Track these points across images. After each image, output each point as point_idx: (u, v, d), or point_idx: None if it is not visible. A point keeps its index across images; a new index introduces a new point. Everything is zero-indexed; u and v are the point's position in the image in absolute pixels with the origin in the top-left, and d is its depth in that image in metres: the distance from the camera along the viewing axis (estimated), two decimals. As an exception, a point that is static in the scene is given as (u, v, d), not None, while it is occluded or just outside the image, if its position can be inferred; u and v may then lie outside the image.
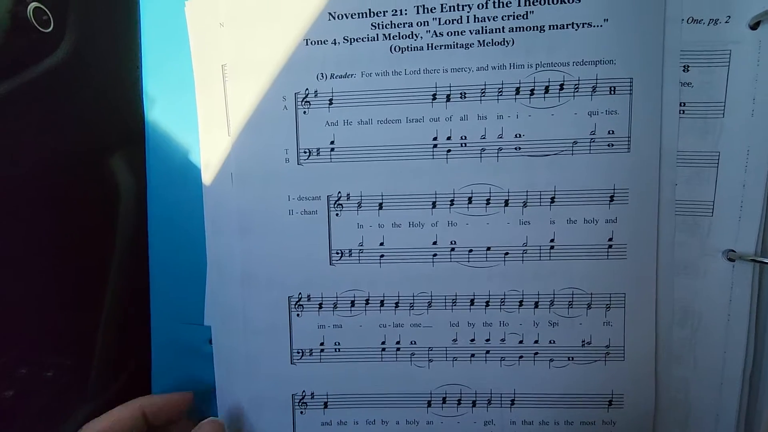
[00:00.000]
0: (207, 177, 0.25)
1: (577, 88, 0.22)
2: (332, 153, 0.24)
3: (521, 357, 0.24)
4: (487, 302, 0.24)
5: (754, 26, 0.22)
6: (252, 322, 0.25)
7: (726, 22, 0.22)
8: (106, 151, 0.26)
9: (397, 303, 0.24)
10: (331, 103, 0.24)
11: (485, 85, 0.23)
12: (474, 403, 0.25)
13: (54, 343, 0.27)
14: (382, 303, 0.24)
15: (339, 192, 0.24)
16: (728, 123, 0.22)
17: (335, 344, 0.25)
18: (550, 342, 0.24)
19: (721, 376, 0.23)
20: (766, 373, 0.23)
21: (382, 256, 0.24)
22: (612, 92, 0.22)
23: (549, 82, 0.22)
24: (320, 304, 0.25)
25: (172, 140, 0.25)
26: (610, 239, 0.23)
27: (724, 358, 0.23)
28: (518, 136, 0.23)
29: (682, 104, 0.22)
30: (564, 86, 0.22)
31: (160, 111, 0.25)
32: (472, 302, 0.24)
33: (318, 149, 0.24)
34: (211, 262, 0.25)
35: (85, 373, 0.27)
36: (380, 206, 0.24)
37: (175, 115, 0.25)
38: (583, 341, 0.24)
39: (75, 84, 0.25)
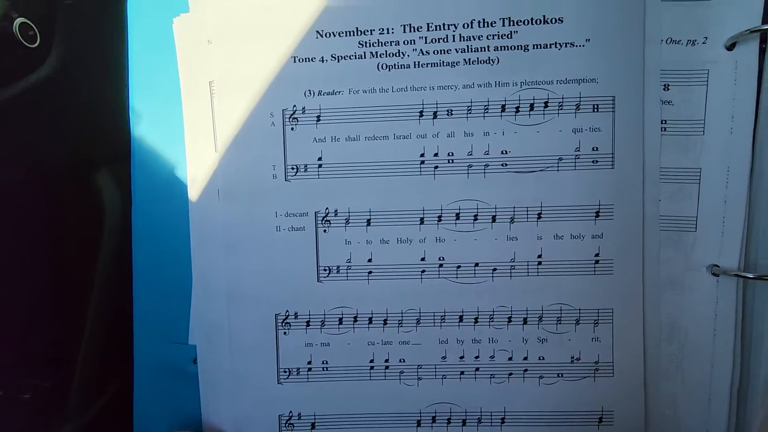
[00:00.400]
0: (193, 192, 0.25)
1: (561, 105, 0.23)
2: (320, 169, 0.24)
3: (511, 374, 0.24)
4: (476, 319, 0.24)
5: (730, 47, 0.22)
6: (238, 341, 0.24)
7: (703, 42, 0.23)
8: (92, 166, 0.26)
9: (385, 320, 0.24)
10: (318, 120, 0.24)
11: (471, 102, 0.23)
12: (464, 422, 0.24)
13: (32, 364, 0.26)
14: (370, 320, 0.24)
15: (327, 208, 0.24)
16: (708, 140, 0.23)
17: (323, 363, 0.24)
18: (539, 358, 0.24)
19: (709, 391, 0.23)
20: (753, 387, 0.23)
21: (370, 272, 0.24)
22: (595, 110, 0.23)
23: (534, 99, 0.23)
24: (308, 322, 0.24)
25: (158, 155, 0.25)
26: (597, 255, 0.23)
27: (712, 373, 0.23)
28: (504, 152, 0.23)
29: (664, 122, 0.23)
30: (548, 104, 0.23)
31: (146, 126, 0.25)
32: (461, 319, 0.24)
33: (305, 165, 0.24)
34: (196, 279, 0.25)
35: (64, 395, 0.26)
36: (368, 222, 0.24)
37: (162, 131, 0.25)
38: (572, 357, 0.24)
39: (61, 99, 0.24)
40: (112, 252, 0.26)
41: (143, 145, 0.25)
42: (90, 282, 0.26)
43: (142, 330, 0.26)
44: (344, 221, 0.24)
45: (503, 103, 0.23)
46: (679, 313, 0.23)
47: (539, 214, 0.23)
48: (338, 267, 0.24)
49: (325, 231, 0.24)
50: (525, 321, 0.24)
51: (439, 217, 0.24)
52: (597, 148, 0.23)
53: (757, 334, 0.22)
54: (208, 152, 0.24)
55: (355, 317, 0.24)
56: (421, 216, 0.24)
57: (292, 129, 0.24)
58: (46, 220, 0.24)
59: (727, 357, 0.23)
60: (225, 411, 0.25)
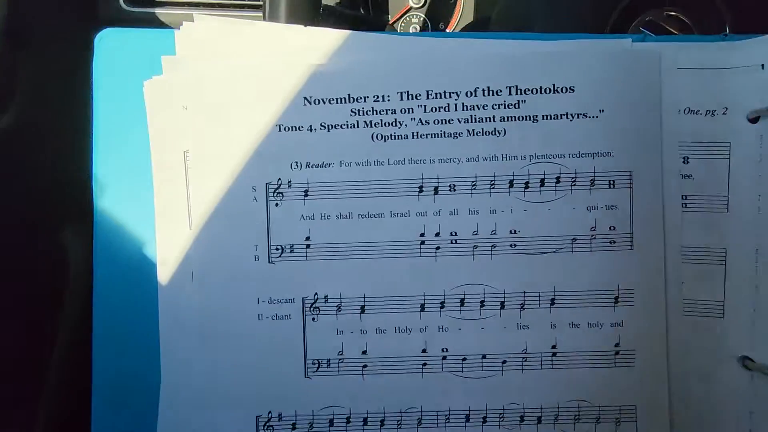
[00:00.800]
0: (163, 275, 0.22)
1: (575, 181, 0.21)
2: (308, 250, 0.21)
3: (524, 480, 0.21)
4: (485, 418, 0.21)
5: (754, 120, 0.21)
6: (213, 447, 0.21)
7: (723, 113, 0.21)
8: (55, 225, 0.23)
9: (382, 421, 0.21)
10: (306, 195, 0.21)
11: (476, 177, 0.21)
12: None
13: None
14: (365, 421, 0.21)
15: (315, 294, 0.21)
16: (733, 219, 0.21)
17: (311, 471, 0.21)
18: (556, 462, 0.21)
19: (744, 495, 0.21)
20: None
21: (364, 366, 0.21)
22: (611, 186, 0.21)
23: (544, 174, 0.21)
24: (293, 424, 0.21)
25: (124, 232, 0.22)
26: (617, 345, 0.21)
27: (747, 476, 0.21)
28: (513, 232, 0.21)
29: (684, 197, 0.21)
30: (560, 179, 0.21)
31: (111, 199, 0.22)
32: (467, 418, 0.21)
33: (292, 246, 0.21)
34: (165, 376, 0.22)
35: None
36: (362, 309, 0.21)
37: (129, 205, 0.22)
38: (593, 461, 0.21)
39: (18, 154, 0.22)
40: (72, 343, 0.23)
41: (107, 220, 0.22)
42: (44, 377, 0.23)
43: (103, 433, 0.22)
44: (335, 308, 0.21)
45: (511, 178, 0.21)
46: (711, 409, 0.21)
47: (552, 299, 0.21)
48: (329, 360, 0.21)
49: (313, 319, 0.21)
50: (539, 420, 0.21)
51: (442, 303, 0.21)
52: (614, 227, 0.21)
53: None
54: (181, 230, 0.22)
55: (348, 418, 0.21)
56: (422, 302, 0.21)
57: (277, 205, 0.21)
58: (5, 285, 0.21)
59: (763, 458, 0.21)
60: None
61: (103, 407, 0.22)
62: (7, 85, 0.22)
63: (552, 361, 0.21)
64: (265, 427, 0.21)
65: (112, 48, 0.22)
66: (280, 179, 0.21)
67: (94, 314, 0.22)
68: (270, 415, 0.21)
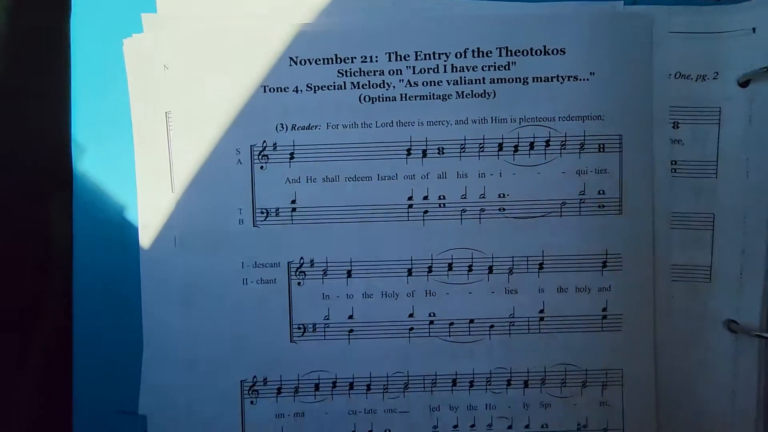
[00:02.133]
0: (145, 240, 0.21)
1: (564, 144, 0.21)
2: (293, 213, 0.21)
3: (510, 444, 0.21)
4: (471, 382, 0.21)
5: (744, 84, 0.20)
6: (197, 412, 0.21)
7: (714, 78, 0.21)
8: (34, 205, 0.22)
9: (368, 385, 0.21)
10: (292, 158, 0.21)
11: (465, 139, 0.21)
12: (458, 500, 0.21)
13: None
14: (351, 385, 0.21)
15: (301, 258, 0.21)
16: (722, 184, 0.21)
17: (296, 436, 0.21)
18: (542, 426, 0.21)
19: (727, 457, 0.21)
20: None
21: (351, 331, 0.21)
22: (601, 149, 0.21)
23: (534, 137, 0.21)
24: (279, 389, 0.21)
25: (105, 196, 0.22)
26: (605, 309, 0.21)
27: (730, 437, 0.21)
28: (502, 196, 0.21)
29: (674, 162, 0.21)
30: (550, 142, 0.21)
31: (90, 162, 0.21)
32: (454, 382, 0.21)
33: (277, 209, 0.21)
34: (148, 339, 0.21)
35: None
36: (349, 274, 0.21)
37: (109, 167, 0.21)
38: (579, 425, 0.21)
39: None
40: (54, 306, 0.22)
41: (87, 184, 0.22)
42: (27, 341, 0.22)
43: (83, 397, 0.22)
44: (321, 273, 0.21)
45: (500, 141, 0.21)
46: (695, 373, 0.21)
47: (541, 264, 0.21)
48: (314, 325, 0.21)
49: (299, 284, 0.21)
50: (526, 384, 0.21)
51: (430, 267, 0.21)
52: (603, 191, 0.21)
53: (777, 394, 0.20)
54: (163, 193, 0.21)
55: (334, 382, 0.21)
56: (409, 267, 0.21)
57: (262, 168, 0.21)
58: None
59: (749, 418, 0.21)
60: (181, 495, 0.21)
61: (85, 373, 0.22)
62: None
63: (539, 325, 0.21)
64: (250, 392, 0.21)
65: (90, 5, 0.22)
66: (265, 141, 0.21)
67: (74, 279, 0.22)
68: (255, 379, 0.21)
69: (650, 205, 0.21)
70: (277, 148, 0.21)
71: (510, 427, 0.21)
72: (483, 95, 0.21)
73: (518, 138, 0.21)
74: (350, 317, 0.21)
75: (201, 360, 0.21)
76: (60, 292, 0.22)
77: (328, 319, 0.21)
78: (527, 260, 0.21)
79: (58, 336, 0.22)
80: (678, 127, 0.21)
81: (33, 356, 0.22)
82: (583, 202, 0.21)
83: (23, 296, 0.22)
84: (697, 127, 0.21)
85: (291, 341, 0.21)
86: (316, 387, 0.21)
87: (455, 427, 0.21)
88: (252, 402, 0.21)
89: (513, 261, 0.21)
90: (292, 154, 0.21)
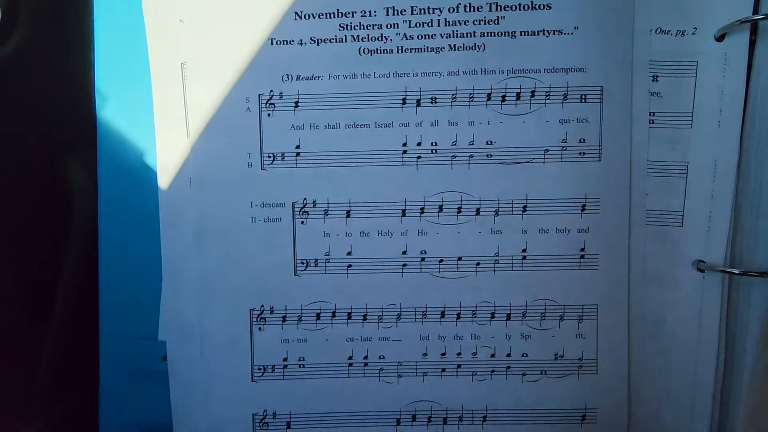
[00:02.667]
0: (163, 181, 0.23)
1: (549, 95, 0.22)
2: (298, 158, 0.23)
3: (493, 371, 0.23)
4: (458, 314, 0.23)
5: (720, 38, 0.22)
6: (210, 337, 0.23)
7: (693, 33, 0.22)
8: (59, 152, 0.24)
9: (365, 315, 0.23)
10: (296, 106, 0.23)
11: (456, 90, 0.22)
12: (445, 421, 0.24)
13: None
14: (349, 315, 0.23)
15: (304, 199, 0.23)
16: (696, 133, 0.22)
17: (299, 360, 0.23)
18: (522, 355, 0.23)
19: (694, 387, 0.23)
20: (737, 384, 0.22)
21: (349, 266, 0.23)
22: (583, 100, 0.22)
23: (520, 88, 0.22)
24: (284, 317, 0.23)
25: (126, 141, 0.24)
26: (582, 249, 0.23)
27: (696, 369, 0.23)
28: (490, 143, 0.22)
29: (652, 114, 0.22)
30: (535, 93, 0.22)
31: (113, 110, 0.24)
32: (442, 314, 0.23)
33: (283, 154, 0.23)
34: (166, 272, 0.23)
35: (28, 394, 0.24)
36: (348, 214, 0.23)
37: (130, 115, 0.23)
38: (556, 354, 0.23)
39: (25, 80, 0.23)
40: (80, 244, 0.25)
41: (110, 130, 0.24)
42: (56, 276, 0.24)
43: (109, 326, 0.24)
44: (323, 213, 0.23)
45: (489, 91, 0.22)
46: (664, 309, 0.23)
47: (524, 207, 0.23)
48: (316, 260, 0.23)
49: (302, 223, 0.23)
50: (508, 317, 0.23)
51: (422, 209, 0.23)
52: (584, 139, 0.22)
53: (741, 330, 0.22)
54: (179, 138, 0.23)
55: (334, 312, 0.23)
56: (403, 208, 0.23)
57: (269, 115, 0.23)
58: (8, 211, 0.23)
59: (711, 353, 0.23)
60: (196, 410, 0.24)
61: (110, 304, 0.24)
62: (10, 13, 0.22)
63: (522, 263, 0.23)
64: (258, 319, 0.23)
65: (111, -36, 0.23)
66: (272, 91, 0.23)
67: (99, 218, 0.24)
68: (262, 308, 0.23)
69: (628, 153, 0.22)
70: (283, 97, 0.23)
71: (493, 356, 0.23)
72: (473, 48, 0.22)
73: (506, 89, 0.22)
74: (349, 254, 0.23)
75: (214, 291, 0.23)
76: (86, 230, 0.24)
77: (328, 255, 0.23)
78: (512, 203, 0.23)
79: (85, 271, 0.24)
80: (657, 81, 0.22)
81: (63, 290, 0.25)
82: (565, 150, 0.22)
83: (53, 235, 0.24)
84: (675, 80, 0.22)
85: (295, 275, 0.23)
86: (317, 316, 0.23)
87: (443, 354, 0.23)
88: (260, 328, 0.23)
89: (499, 204, 0.23)
90: (296, 102, 0.23)
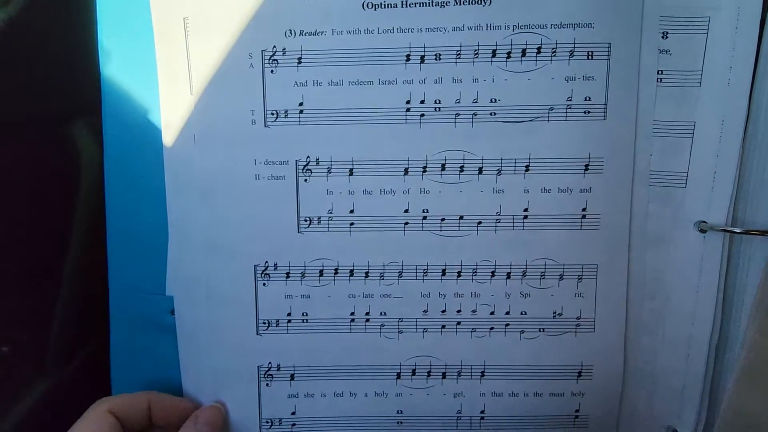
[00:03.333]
0: (168, 138, 0.23)
1: (555, 52, 0.22)
2: (301, 115, 0.23)
3: (492, 328, 0.24)
4: (459, 273, 0.23)
5: (733, -8, 0.21)
6: (216, 292, 0.24)
7: (706, -13, 0.21)
8: (66, 116, 0.24)
9: (367, 273, 0.24)
10: (299, 62, 0.22)
11: (461, 46, 0.22)
12: (444, 375, 0.24)
13: (9, 317, 0.25)
14: (351, 272, 0.24)
15: (308, 157, 0.23)
16: (704, 92, 0.22)
17: (303, 315, 0.24)
18: (521, 313, 0.24)
19: (688, 347, 0.23)
20: (732, 344, 0.23)
21: (352, 224, 0.23)
22: (590, 57, 0.22)
23: (526, 44, 0.22)
24: (287, 273, 0.24)
25: (130, 97, 0.24)
26: (584, 209, 0.23)
27: (692, 329, 0.23)
28: (494, 101, 0.22)
29: (660, 72, 0.22)
30: (541, 50, 0.22)
31: (116, 66, 0.23)
32: (443, 272, 0.23)
33: (286, 111, 0.23)
34: (172, 228, 0.24)
35: (42, 348, 0.25)
36: (351, 172, 0.23)
37: (133, 71, 0.23)
38: (555, 313, 0.24)
39: (29, 41, 0.23)
40: (91, 205, 0.25)
41: (114, 87, 0.24)
42: (68, 236, 0.25)
43: (118, 281, 0.25)
44: (326, 170, 0.23)
45: (494, 48, 0.22)
46: (664, 269, 0.23)
47: (527, 166, 0.23)
48: (319, 218, 0.23)
49: (306, 180, 0.23)
50: (508, 276, 0.23)
51: (424, 167, 0.23)
52: (590, 98, 0.22)
53: (739, 291, 0.22)
54: (183, 95, 0.23)
55: (336, 269, 0.24)
56: (406, 166, 0.23)
57: (272, 72, 0.23)
58: (19, 172, 0.23)
59: (708, 313, 0.23)
60: (203, 362, 0.24)
61: (118, 261, 0.25)
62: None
63: (523, 223, 0.23)
64: (262, 275, 0.24)
65: None
66: (275, 46, 0.22)
67: (105, 175, 0.24)
68: (266, 264, 0.24)
69: (634, 112, 0.22)
70: (286, 53, 0.22)
71: (492, 313, 0.24)
72: (478, 2, 0.22)
73: (511, 45, 0.22)
74: (351, 211, 0.23)
75: (219, 247, 0.24)
76: (94, 188, 0.25)
77: (331, 212, 0.23)
78: (515, 162, 0.23)
79: (93, 228, 0.25)
80: (667, 37, 0.22)
81: (73, 247, 0.25)
82: (570, 108, 0.22)
83: (61, 192, 0.25)
84: (685, 37, 0.22)
85: (298, 232, 0.23)
86: (320, 273, 0.24)
87: (443, 311, 0.24)
88: (264, 284, 0.24)
89: (501, 163, 0.23)
90: (299, 58, 0.22)
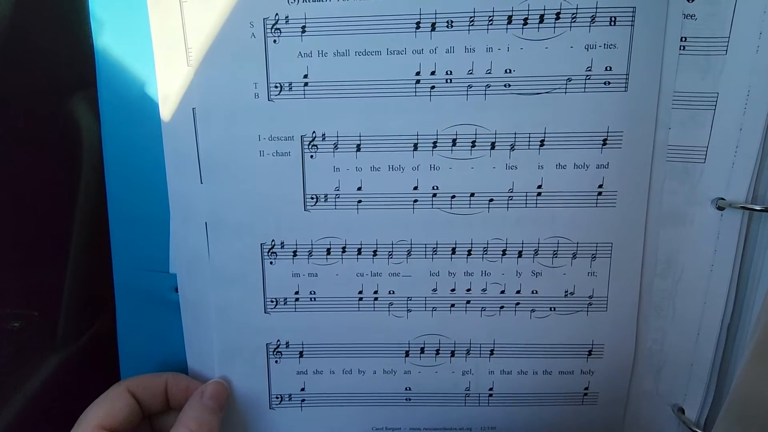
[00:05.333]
0: (166, 112, 0.22)
1: (575, 17, 0.20)
2: (306, 88, 0.22)
3: (502, 307, 0.24)
4: (469, 251, 0.23)
5: (769, -49, 0.20)
6: (221, 271, 0.23)
7: (737, -54, 0.20)
8: (62, 91, 0.23)
9: (375, 251, 0.23)
10: (303, 31, 0.21)
11: (474, 12, 0.21)
12: (453, 353, 0.24)
13: (20, 294, 0.25)
14: (359, 251, 0.23)
15: (314, 132, 0.22)
16: (730, 61, 0.21)
17: (311, 293, 0.24)
18: (532, 292, 0.23)
19: (699, 327, 0.23)
20: (744, 324, 0.23)
21: (359, 201, 0.23)
22: (612, 23, 0.20)
23: (544, 10, 0.20)
24: (294, 252, 0.23)
25: (125, 69, 0.22)
26: (600, 186, 0.22)
27: (704, 308, 0.23)
28: (508, 71, 0.21)
29: (683, 39, 0.21)
30: (560, 15, 0.20)
31: (109, 37, 0.22)
32: (453, 251, 0.23)
33: (290, 84, 0.22)
34: (173, 205, 0.23)
35: (52, 324, 0.25)
36: (358, 148, 0.22)
37: (127, 41, 0.22)
38: (566, 292, 0.23)
39: (18, 14, 0.22)
40: (93, 181, 0.24)
41: (108, 58, 0.22)
42: (72, 213, 0.25)
43: (121, 258, 0.24)
44: (332, 146, 0.22)
45: (510, 13, 0.21)
46: (678, 248, 0.23)
47: (542, 141, 0.22)
48: (326, 195, 0.23)
49: (312, 157, 0.22)
50: (520, 254, 0.23)
51: (434, 143, 0.22)
52: (610, 67, 0.21)
53: (755, 270, 0.22)
54: (180, 67, 0.22)
55: (344, 248, 0.23)
56: (415, 142, 0.22)
57: (275, 41, 0.21)
58: (22, 149, 0.22)
59: (721, 293, 0.22)
60: (209, 339, 0.24)
61: (121, 238, 0.24)
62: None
63: (536, 200, 0.22)
64: (269, 254, 0.23)
65: None
66: (277, 14, 0.21)
67: (104, 152, 0.23)
68: (273, 243, 0.23)
69: (657, 82, 0.21)
70: (289, 21, 0.21)
71: (503, 292, 0.23)
72: (495, -36, 0.20)
73: (528, 10, 0.21)
74: (359, 189, 0.23)
75: (223, 225, 0.23)
76: (95, 162, 0.24)
77: (338, 190, 0.23)
78: (529, 137, 0.22)
79: (97, 205, 0.24)
80: (692, 0, 0.20)
81: (78, 223, 0.25)
82: (589, 78, 0.21)
83: (63, 168, 0.24)
84: (712, 0, 0.20)
85: (305, 210, 0.23)
86: (328, 251, 0.23)
87: (452, 290, 0.24)
88: (271, 262, 0.23)
89: (515, 137, 0.22)
90: (303, 27, 0.21)
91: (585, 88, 0.21)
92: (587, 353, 0.24)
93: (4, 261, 0.23)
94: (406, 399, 0.25)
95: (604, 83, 0.21)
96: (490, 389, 0.25)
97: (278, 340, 0.24)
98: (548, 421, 0.25)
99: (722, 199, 0.22)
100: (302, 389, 0.25)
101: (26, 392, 0.24)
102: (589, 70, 0.21)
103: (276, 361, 0.24)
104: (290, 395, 0.25)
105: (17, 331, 0.25)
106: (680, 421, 0.24)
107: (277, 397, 0.25)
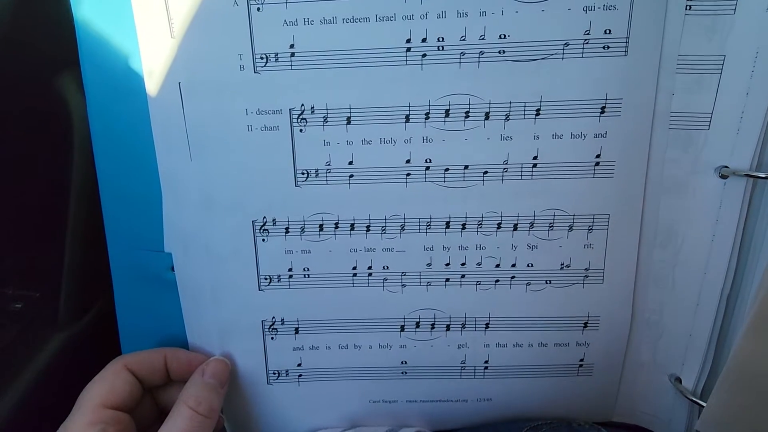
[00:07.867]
0: (151, 87, 0.22)
1: (573, -23, 0.19)
2: (292, 59, 0.21)
3: (497, 281, 0.23)
4: (464, 225, 0.23)
5: None
6: (215, 249, 0.23)
7: None
8: (46, 68, 0.23)
9: (368, 226, 0.23)
10: (288, -3, 0.20)
11: (467, -27, 0.20)
12: (448, 327, 0.24)
13: (21, 275, 0.26)
14: (352, 226, 0.23)
15: (302, 105, 0.21)
16: (739, 20, 0.19)
17: (304, 270, 0.24)
18: (528, 265, 0.23)
19: (698, 298, 0.23)
20: (744, 294, 0.22)
21: (351, 176, 0.22)
22: (612, -18, 0.19)
23: (541, -31, 0.19)
24: (287, 229, 0.23)
25: (108, 43, 0.22)
26: (598, 156, 0.21)
27: (704, 279, 0.22)
28: (503, 36, 0.20)
29: (690, -1, 0.20)
30: (558, -25, 0.19)
31: (89, 8, 0.21)
32: (447, 225, 0.23)
33: (276, 54, 0.21)
34: (164, 183, 0.23)
35: (54, 304, 0.26)
36: (348, 121, 0.22)
37: (108, 12, 0.21)
38: (562, 264, 0.23)
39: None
40: (85, 159, 0.24)
41: (89, 32, 0.22)
42: (67, 192, 0.24)
43: (115, 238, 0.24)
44: (322, 119, 0.22)
45: (504, -27, 0.20)
46: (679, 218, 0.22)
47: (538, 110, 0.21)
48: (317, 170, 0.22)
49: (301, 131, 0.22)
50: (515, 227, 0.23)
51: (427, 114, 0.21)
52: (610, 30, 0.20)
53: (757, 240, 0.21)
54: (163, 38, 0.21)
55: (336, 223, 0.23)
56: (407, 113, 0.21)
57: (259, 9, 0.20)
58: (15, 130, 0.22)
59: (722, 264, 0.22)
60: (207, 317, 0.24)
61: (115, 218, 0.24)
62: None
63: (532, 171, 0.22)
64: (261, 231, 0.23)
65: None
66: (259, -20, 0.20)
67: (91, 128, 0.23)
68: (265, 220, 0.23)
69: (659, 45, 0.20)
70: (273, -13, 0.20)
71: (498, 266, 0.23)
72: None
73: (524, -30, 0.19)
74: (350, 163, 0.22)
75: (214, 203, 0.23)
76: (84, 144, 0.24)
77: (329, 164, 0.22)
78: (524, 106, 0.21)
79: (91, 183, 0.24)
80: (700, -43, 0.19)
81: (73, 204, 0.25)
82: (587, 43, 0.20)
83: (54, 147, 0.24)
84: (722, -44, 0.19)
85: (296, 185, 0.22)
86: (320, 227, 0.23)
87: (447, 265, 0.23)
88: (263, 240, 0.23)
89: (510, 107, 0.21)
90: (287, -7, 0.20)
91: (583, 53, 0.20)
92: (583, 325, 0.24)
93: (4, 243, 0.23)
94: (403, 372, 0.25)
95: (603, 47, 0.20)
96: (486, 362, 0.25)
97: (273, 318, 0.24)
98: (543, 392, 0.25)
99: (726, 167, 0.21)
100: (299, 365, 0.25)
101: (31, 371, 0.24)
102: (588, 34, 0.20)
103: (272, 338, 0.25)
104: (287, 371, 0.25)
105: (20, 312, 0.26)
106: (677, 390, 0.24)
107: (274, 373, 0.25)
